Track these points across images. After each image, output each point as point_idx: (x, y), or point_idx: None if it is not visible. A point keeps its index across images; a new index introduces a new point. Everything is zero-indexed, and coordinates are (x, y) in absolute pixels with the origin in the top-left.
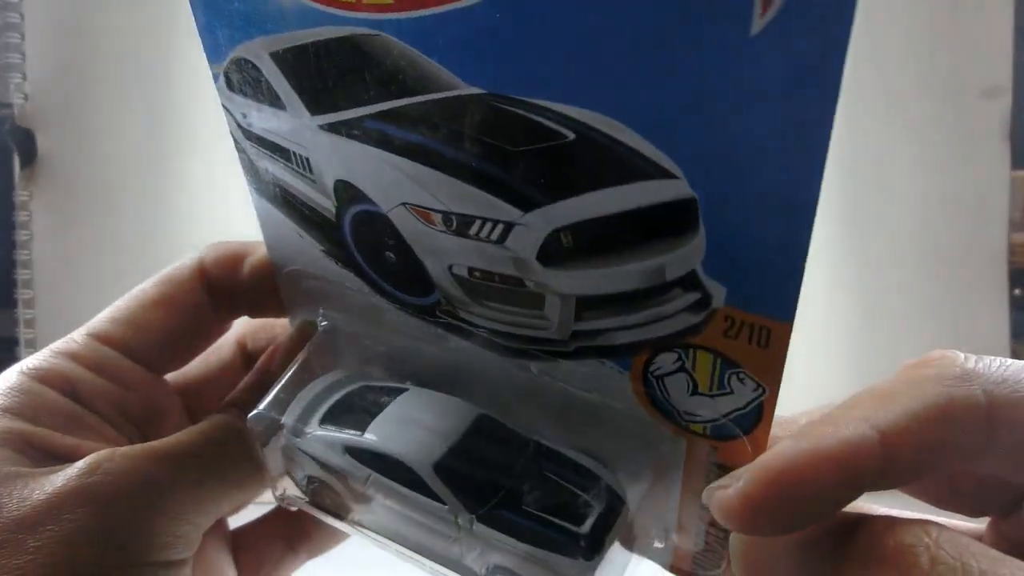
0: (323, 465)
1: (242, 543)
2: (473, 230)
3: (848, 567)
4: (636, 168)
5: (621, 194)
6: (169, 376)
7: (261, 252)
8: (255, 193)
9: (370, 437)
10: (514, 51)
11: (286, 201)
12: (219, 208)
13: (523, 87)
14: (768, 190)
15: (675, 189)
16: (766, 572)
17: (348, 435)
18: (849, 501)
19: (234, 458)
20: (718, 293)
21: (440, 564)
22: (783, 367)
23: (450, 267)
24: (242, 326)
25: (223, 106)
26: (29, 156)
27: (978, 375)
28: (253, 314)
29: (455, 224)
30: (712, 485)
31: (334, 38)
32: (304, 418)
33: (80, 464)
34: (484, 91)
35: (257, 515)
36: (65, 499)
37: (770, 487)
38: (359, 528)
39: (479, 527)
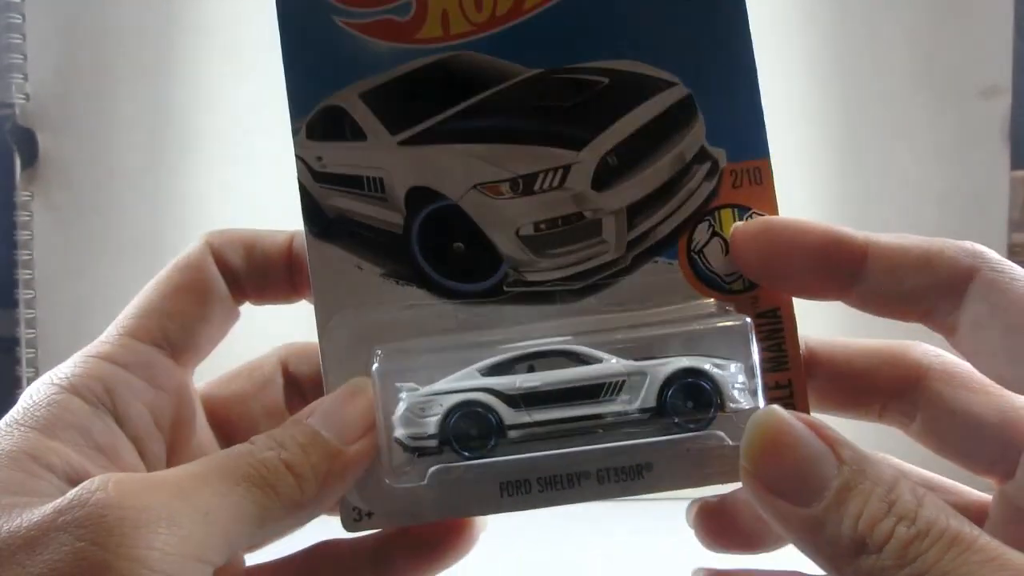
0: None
1: None
2: (537, 184)
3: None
4: (649, 86)
5: (643, 109)
6: (209, 389)
7: (268, 238)
8: (313, 239)
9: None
10: (562, 38)
11: (350, 233)
12: (219, 207)
13: (569, 57)
14: (730, 76)
15: (677, 91)
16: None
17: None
18: (823, 279)
19: (253, 491)
20: (721, 156)
21: (611, 420)
22: (775, 196)
23: (517, 231)
24: (284, 348)
25: (297, 156)
26: (30, 156)
27: (982, 256)
28: (259, 299)
29: (521, 186)
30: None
31: (421, 66)
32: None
33: (71, 494)
34: (541, 69)
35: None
36: (44, 532)
37: (765, 228)
38: (520, 431)
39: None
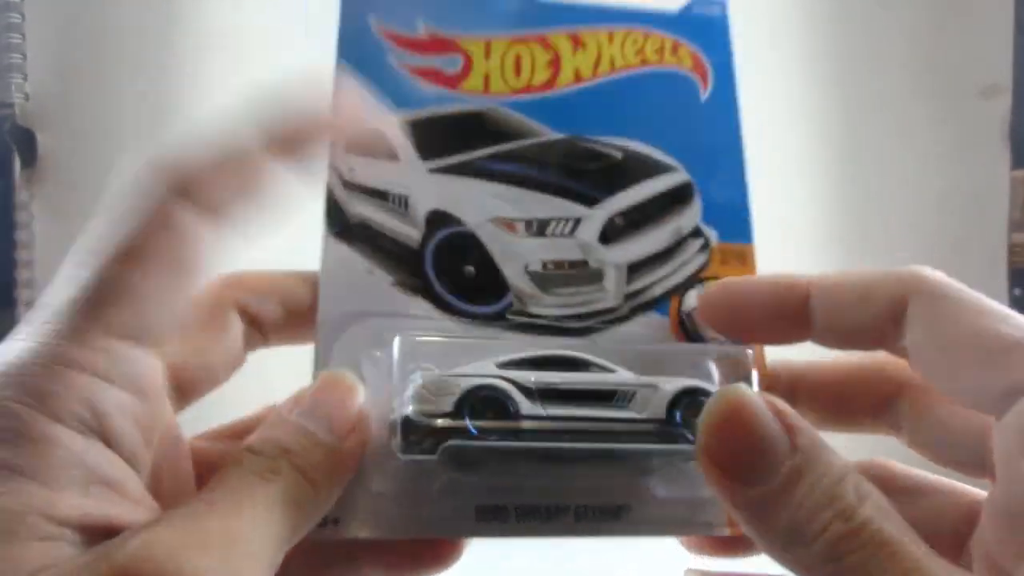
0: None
1: None
2: (550, 229)
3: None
4: (657, 167)
5: (650, 184)
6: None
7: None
8: (332, 239)
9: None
10: (586, 115)
11: (367, 238)
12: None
13: (591, 131)
14: (723, 171)
15: (679, 175)
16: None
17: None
18: (779, 325)
19: (288, 515)
20: (712, 235)
21: (621, 427)
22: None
23: (526, 266)
24: (232, 287)
25: (330, 164)
26: (30, 157)
27: (916, 281)
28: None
29: (535, 227)
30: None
31: (462, 112)
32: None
33: (112, 566)
34: (567, 135)
35: None
36: None
37: (721, 289)
38: (534, 423)
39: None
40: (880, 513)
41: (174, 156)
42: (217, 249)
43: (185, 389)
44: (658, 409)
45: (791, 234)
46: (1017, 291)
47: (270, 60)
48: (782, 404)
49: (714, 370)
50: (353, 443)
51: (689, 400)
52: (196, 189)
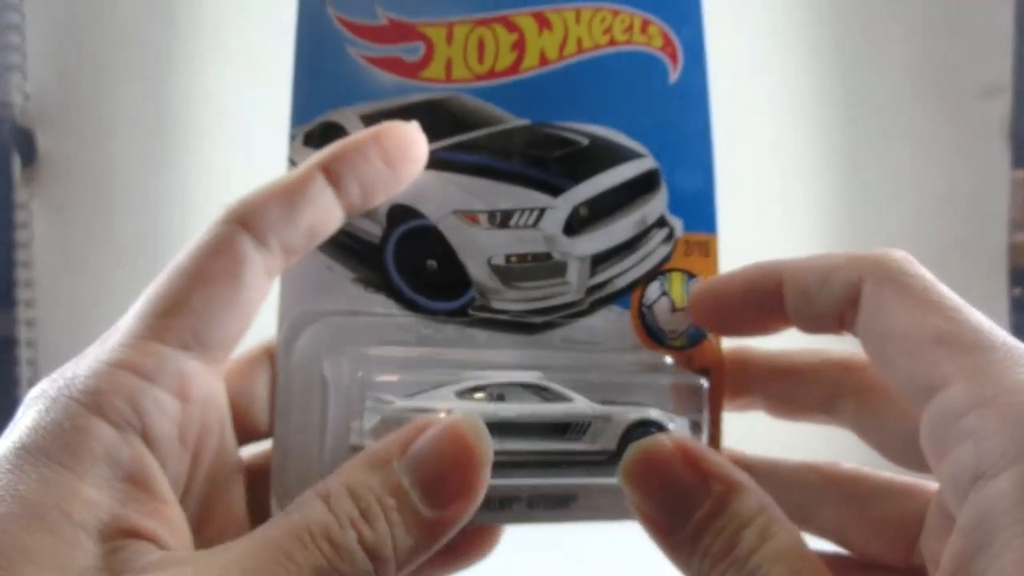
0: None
1: None
2: (513, 220)
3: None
4: (623, 153)
5: (616, 172)
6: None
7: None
8: None
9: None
10: (551, 99)
11: None
12: (218, 208)
13: (556, 116)
14: (690, 157)
15: (646, 162)
16: None
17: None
18: (758, 313)
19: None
20: (678, 225)
21: (573, 459)
22: (718, 269)
23: (489, 260)
24: None
25: (289, 159)
26: (29, 156)
27: (872, 265)
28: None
29: (499, 219)
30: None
31: (421, 100)
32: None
33: None
34: (530, 122)
35: None
36: None
37: (703, 288)
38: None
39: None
40: (776, 558)
41: (243, 195)
42: (274, 272)
43: (216, 347)
44: (610, 441)
45: (791, 234)
46: (1017, 291)
47: (270, 60)
48: (699, 450)
49: (669, 397)
50: (453, 515)
51: (641, 432)
52: (254, 217)
